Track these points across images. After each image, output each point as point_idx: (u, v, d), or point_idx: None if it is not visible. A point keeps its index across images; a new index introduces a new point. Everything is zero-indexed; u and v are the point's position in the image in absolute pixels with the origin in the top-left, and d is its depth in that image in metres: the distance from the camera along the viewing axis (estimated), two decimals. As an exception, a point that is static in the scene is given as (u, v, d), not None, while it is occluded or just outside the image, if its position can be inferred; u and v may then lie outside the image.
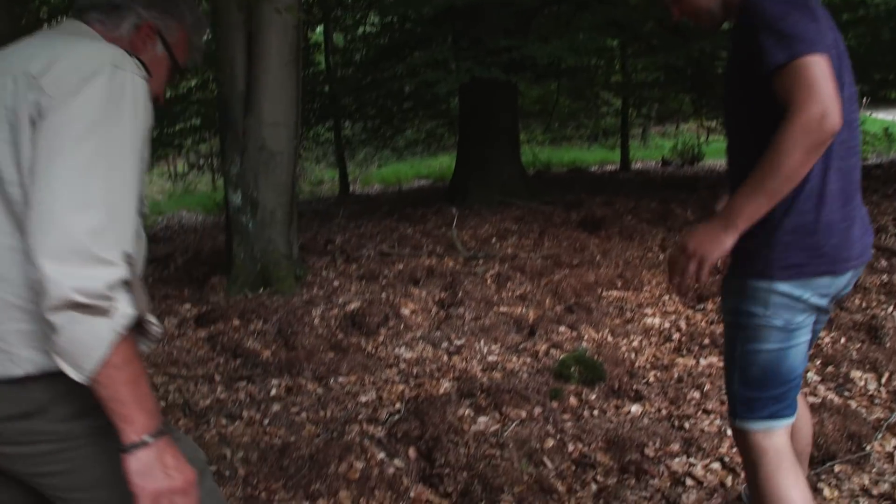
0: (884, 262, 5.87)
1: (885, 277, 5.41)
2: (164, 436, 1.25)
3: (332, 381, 3.99)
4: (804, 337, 1.89)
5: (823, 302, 1.85)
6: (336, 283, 6.22)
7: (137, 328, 1.25)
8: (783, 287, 1.80)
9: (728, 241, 1.72)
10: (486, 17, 9.09)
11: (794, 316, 1.83)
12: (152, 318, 1.31)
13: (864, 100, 26.53)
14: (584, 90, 16.44)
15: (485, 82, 8.57)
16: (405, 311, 5.17)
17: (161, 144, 10.83)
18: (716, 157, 17.27)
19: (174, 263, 7.76)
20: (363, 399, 3.76)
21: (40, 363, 1.24)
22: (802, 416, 2.16)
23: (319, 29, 13.75)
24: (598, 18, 9.25)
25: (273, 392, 3.87)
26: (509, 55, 8.12)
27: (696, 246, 1.76)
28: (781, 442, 1.91)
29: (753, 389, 1.92)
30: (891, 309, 4.77)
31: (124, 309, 1.18)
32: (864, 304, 4.91)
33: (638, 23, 10.79)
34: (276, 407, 3.68)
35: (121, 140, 1.23)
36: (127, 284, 1.20)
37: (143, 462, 1.21)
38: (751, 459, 1.95)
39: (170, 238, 10.31)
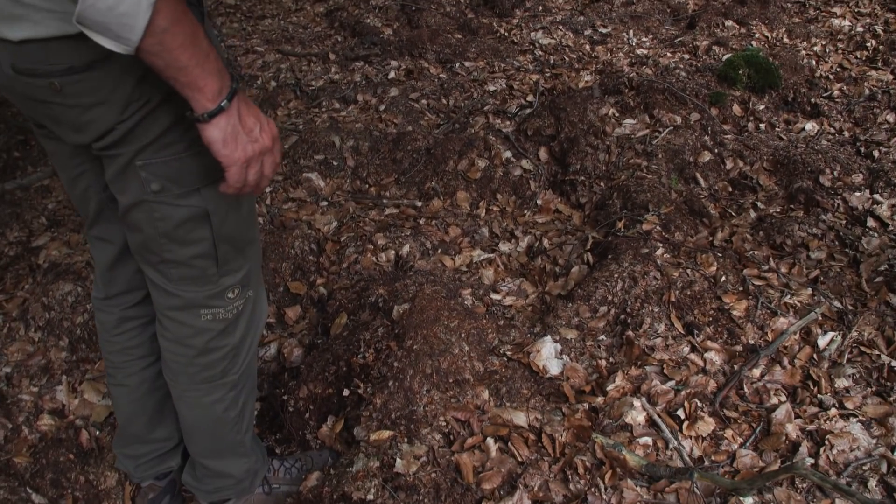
0: None
1: None
2: (239, 95, 1.06)
3: (457, 65, 3.53)
4: None
5: None
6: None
7: None
8: None
9: None
10: None
11: None
12: None
13: None
14: None
15: None
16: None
17: None
18: None
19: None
20: (491, 88, 3.31)
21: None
22: None
23: None
24: None
25: (392, 75, 3.47)
26: None
27: None
28: None
29: None
30: None
31: None
32: None
33: None
34: (393, 91, 3.29)
35: None
36: None
37: (225, 129, 1.04)
38: None
39: None
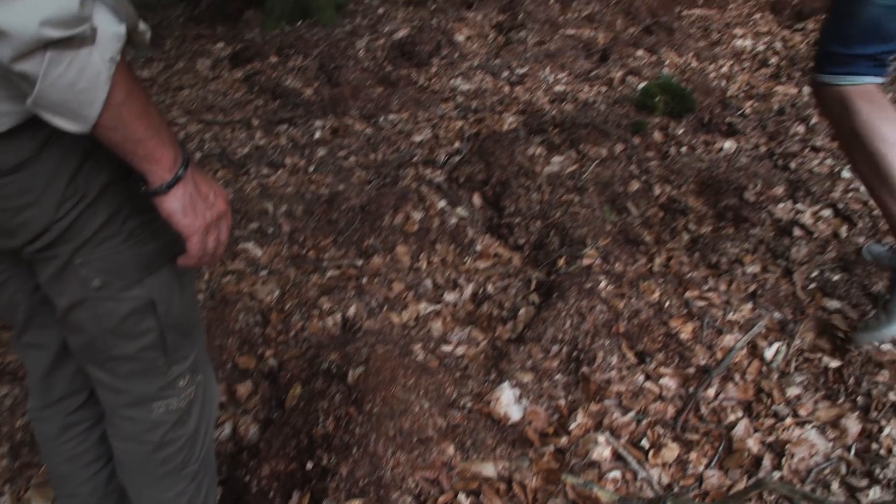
0: None
1: None
2: (191, 161, 1.05)
3: (381, 119, 3.56)
4: None
5: None
6: (381, 10, 5.59)
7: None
8: None
9: None
10: None
11: None
12: (140, 22, 1.02)
13: None
14: None
15: None
16: (459, 38, 4.60)
17: None
18: None
19: (205, 0, 7.12)
20: (417, 138, 3.35)
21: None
22: None
23: None
24: None
25: (317, 135, 3.48)
26: None
27: None
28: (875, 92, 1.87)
29: (853, 39, 1.85)
30: None
31: (109, 25, 0.89)
32: None
33: None
34: (321, 151, 3.30)
35: None
36: None
37: (184, 198, 1.03)
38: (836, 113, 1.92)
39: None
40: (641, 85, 3.60)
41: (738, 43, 4.23)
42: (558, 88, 3.75)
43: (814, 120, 3.16)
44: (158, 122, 0.98)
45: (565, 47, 4.27)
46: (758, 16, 4.68)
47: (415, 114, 3.57)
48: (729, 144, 3.10)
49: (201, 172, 1.09)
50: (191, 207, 1.04)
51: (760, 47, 4.13)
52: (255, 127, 3.69)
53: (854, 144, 1.91)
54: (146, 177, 0.99)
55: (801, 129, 3.13)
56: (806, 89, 3.47)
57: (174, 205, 1.02)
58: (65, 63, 0.84)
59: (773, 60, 3.88)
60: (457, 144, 3.22)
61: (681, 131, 3.17)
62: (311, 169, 3.16)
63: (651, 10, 4.84)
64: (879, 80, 1.93)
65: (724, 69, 3.85)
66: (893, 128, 1.87)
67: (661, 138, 3.12)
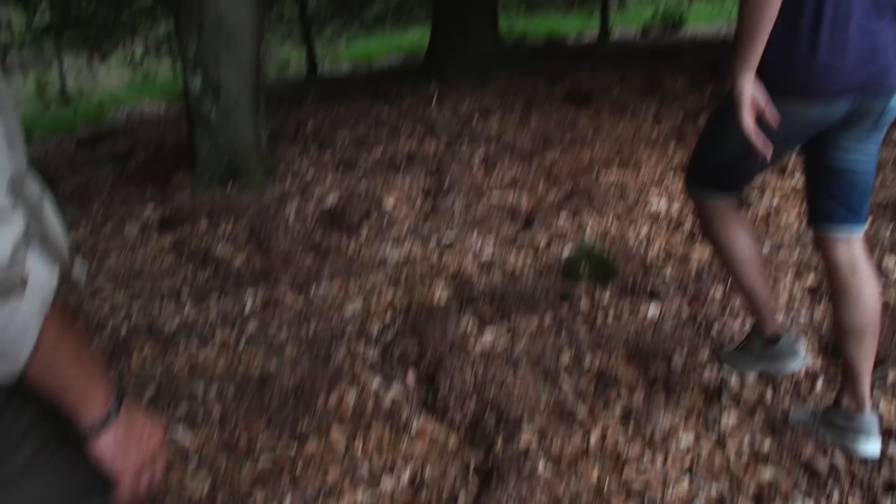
0: (896, 134, 5.47)
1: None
2: (124, 400, 1.00)
3: (312, 290, 3.58)
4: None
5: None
6: (310, 174, 5.72)
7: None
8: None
9: (742, 84, 1.86)
10: None
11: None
12: (75, 261, 0.96)
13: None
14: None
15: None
16: (388, 204, 4.72)
17: (110, 30, 9.93)
18: (700, 22, 16.50)
19: (135, 161, 7.18)
20: (349, 310, 3.36)
21: None
22: (866, 287, 2.13)
23: None
24: None
25: (248, 307, 3.46)
26: None
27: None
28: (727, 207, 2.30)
29: (708, 167, 2.27)
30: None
31: (40, 273, 0.84)
32: (879, 180, 4.54)
33: None
34: (252, 326, 3.28)
35: None
36: (27, 231, 0.82)
37: (115, 439, 0.98)
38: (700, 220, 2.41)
39: (130, 132, 9.61)
40: (566, 250, 3.73)
41: (654, 205, 4.44)
42: (486, 255, 3.85)
43: (730, 281, 3.30)
44: (90, 365, 0.95)
45: (491, 212, 4.42)
46: (670, 176, 4.95)
47: (346, 284, 3.60)
48: (653, 309, 3.20)
49: (136, 408, 1.05)
50: (122, 450, 1.00)
51: (675, 209, 4.35)
52: (184, 298, 3.65)
53: (713, 245, 2.45)
54: (77, 419, 0.95)
55: (719, 293, 3.27)
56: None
57: (104, 448, 0.98)
58: None
59: (688, 223, 4.07)
60: (389, 316, 3.24)
61: (607, 298, 3.27)
62: (242, 344, 3.13)
63: (571, 172, 5.08)
64: (733, 199, 2.34)
65: (643, 232, 4.02)
66: (736, 244, 2.34)
67: (589, 305, 3.21)
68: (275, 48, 18.45)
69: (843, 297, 2.14)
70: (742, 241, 2.34)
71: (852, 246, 2.13)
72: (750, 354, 2.63)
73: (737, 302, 3.14)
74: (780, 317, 2.85)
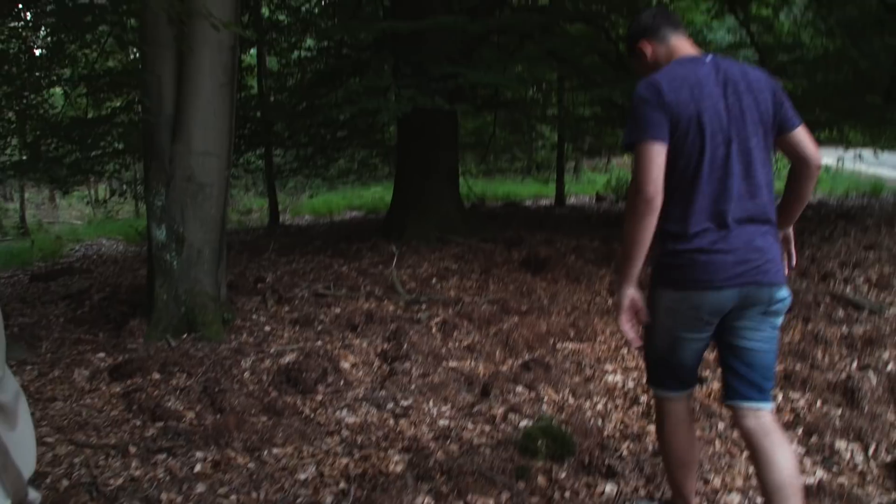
0: (840, 313, 5.70)
1: (844, 329, 5.23)
2: None
3: (265, 452, 3.50)
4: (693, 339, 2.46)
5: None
6: (267, 328, 5.72)
7: None
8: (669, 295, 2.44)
9: (623, 291, 2.42)
10: (429, 43, 8.76)
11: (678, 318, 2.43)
12: (30, 490, 0.91)
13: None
14: (522, 123, 16.29)
15: (425, 112, 8.25)
16: (345, 365, 4.72)
17: (79, 170, 10.05)
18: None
19: (89, 301, 7.12)
20: (302, 476, 3.28)
21: None
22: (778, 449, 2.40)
23: (253, 51, 13.19)
24: (539, 49, 9.07)
25: (198, 468, 3.36)
26: (454, 81, 7.81)
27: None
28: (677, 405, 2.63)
29: (653, 365, 2.65)
30: (855, 364, 4.57)
31: None
32: (827, 358, 4.70)
33: (578, 56, 10.68)
34: (200, 488, 3.17)
35: None
36: None
37: None
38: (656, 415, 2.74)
39: (86, 270, 9.56)
40: (523, 423, 3.73)
41: (610, 378, 4.51)
42: (442, 424, 3.83)
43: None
44: None
45: (448, 380, 4.43)
46: (624, 350, 5.05)
47: (300, 448, 3.53)
48: (610, 488, 3.19)
49: None
50: None
51: (630, 383, 4.41)
52: (131, 455, 3.54)
53: (657, 435, 2.78)
54: None
55: (675, 474, 3.27)
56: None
57: None
58: None
59: (644, 398, 4.13)
60: (342, 485, 3.17)
61: (564, 475, 3.25)
62: (189, 510, 3.02)
63: (527, 341, 5.15)
64: (681, 395, 2.63)
65: (600, 406, 4.06)
66: (673, 440, 2.64)
67: (546, 483, 3.18)
68: (239, 196, 18.80)
69: (758, 459, 2.40)
70: (679, 442, 2.64)
71: (760, 416, 2.42)
72: None
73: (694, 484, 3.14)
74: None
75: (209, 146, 5.48)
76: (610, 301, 6.46)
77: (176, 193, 5.45)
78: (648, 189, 2.26)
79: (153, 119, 5.50)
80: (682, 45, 2.53)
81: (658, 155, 2.29)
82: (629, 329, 2.43)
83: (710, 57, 2.44)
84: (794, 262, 2.66)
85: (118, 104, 11.24)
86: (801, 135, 2.43)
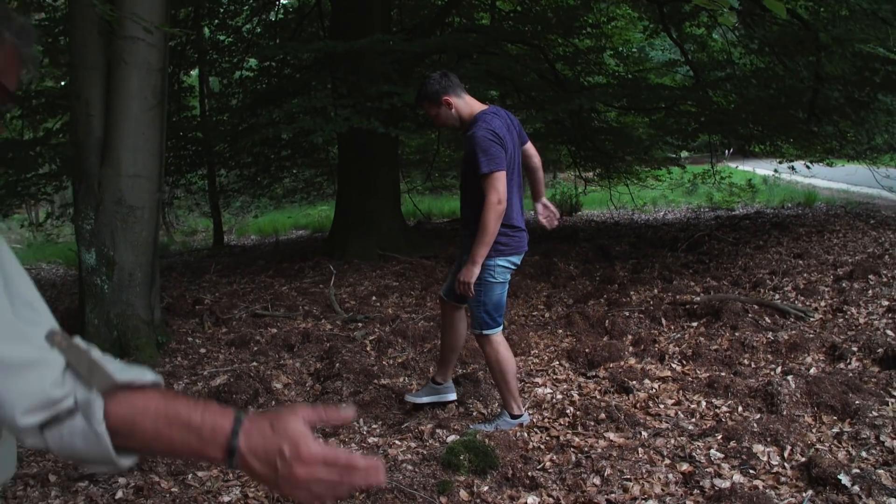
0: (767, 320, 5.85)
1: (770, 335, 5.36)
2: (244, 420, 1.01)
3: (189, 476, 3.49)
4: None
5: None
6: (203, 350, 5.68)
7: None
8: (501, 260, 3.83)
9: (476, 272, 3.70)
10: (367, 63, 8.82)
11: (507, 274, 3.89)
12: (127, 374, 1.06)
13: (728, 151, 28.03)
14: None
15: (364, 131, 8.30)
16: (277, 385, 4.71)
17: (14, 193, 9.85)
18: (594, 207, 17.54)
19: (20, 327, 6.97)
20: (226, 499, 3.28)
21: None
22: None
23: (195, 72, 13.10)
24: (479, 68, 9.18)
25: (119, 494, 3.33)
26: (390, 101, 7.89)
27: (463, 277, 3.72)
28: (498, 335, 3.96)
29: (493, 314, 3.88)
30: (779, 369, 4.70)
31: (85, 397, 0.99)
32: (752, 364, 4.82)
33: (518, 75, 10.84)
34: (121, 514, 3.15)
35: None
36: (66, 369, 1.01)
37: (256, 454, 0.98)
38: (491, 350, 3.91)
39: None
40: (451, 438, 3.78)
41: (539, 391, 4.58)
42: (371, 440, 3.86)
43: (608, 471, 3.38)
44: (187, 415, 1.00)
45: (379, 397, 4.46)
46: (556, 363, 5.13)
47: (224, 470, 3.52)
48: (532, 499, 3.24)
49: (259, 418, 1.02)
50: (267, 458, 0.98)
51: (559, 396, 4.48)
52: (50, 483, 3.49)
53: (493, 367, 3.95)
54: (207, 460, 1.02)
55: (596, 480, 3.34)
56: (601, 440, 3.78)
57: (252, 464, 0.99)
58: (60, 434, 0.97)
59: (570, 410, 4.20)
60: (266, 506, 3.18)
61: (486, 488, 3.30)
62: (108, 537, 2.99)
63: (461, 357, 5.19)
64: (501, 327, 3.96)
65: (526, 423, 4.11)
66: (507, 357, 3.94)
67: (468, 497, 3.22)
68: (183, 217, 18.56)
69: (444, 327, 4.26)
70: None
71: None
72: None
73: (613, 493, 3.21)
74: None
75: (139, 169, 5.44)
76: (547, 314, 6.55)
77: (105, 217, 5.40)
78: (504, 200, 3.60)
79: (82, 142, 5.45)
80: (471, 99, 3.85)
81: (504, 178, 3.61)
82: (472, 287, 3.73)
83: (498, 108, 3.90)
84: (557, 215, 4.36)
85: (53, 126, 11.05)
86: (530, 146, 4.07)
